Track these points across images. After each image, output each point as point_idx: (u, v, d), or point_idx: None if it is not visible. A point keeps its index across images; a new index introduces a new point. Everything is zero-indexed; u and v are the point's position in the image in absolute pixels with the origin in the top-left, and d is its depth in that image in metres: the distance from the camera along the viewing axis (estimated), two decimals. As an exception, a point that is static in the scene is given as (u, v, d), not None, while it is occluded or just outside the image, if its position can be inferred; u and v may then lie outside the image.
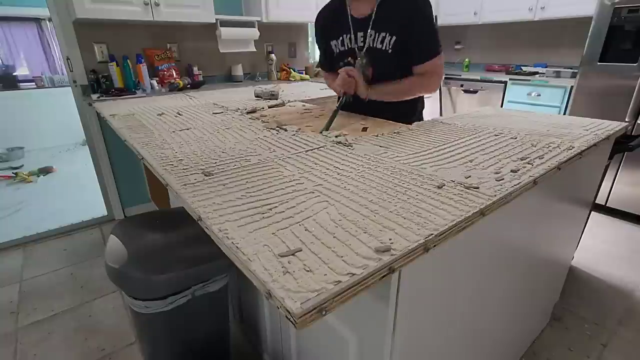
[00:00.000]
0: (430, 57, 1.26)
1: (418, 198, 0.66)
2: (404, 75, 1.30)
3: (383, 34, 1.25)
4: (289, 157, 0.91)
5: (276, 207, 0.64)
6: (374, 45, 1.28)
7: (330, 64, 1.47)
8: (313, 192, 0.70)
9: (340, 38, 1.36)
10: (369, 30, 1.28)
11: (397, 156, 0.90)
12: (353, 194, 0.69)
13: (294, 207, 0.64)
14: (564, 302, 1.69)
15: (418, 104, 1.48)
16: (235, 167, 0.85)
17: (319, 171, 0.81)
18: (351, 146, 0.99)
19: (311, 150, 0.97)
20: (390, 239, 0.53)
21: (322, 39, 1.45)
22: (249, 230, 0.56)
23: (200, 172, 0.81)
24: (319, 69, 2.58)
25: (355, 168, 0.82)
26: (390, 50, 1.26)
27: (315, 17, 1.45)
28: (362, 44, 1.31)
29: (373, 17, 1.25)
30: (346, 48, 1.36)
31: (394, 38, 1.24)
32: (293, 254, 0.50)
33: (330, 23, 1.39)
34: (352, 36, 1.32)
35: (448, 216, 0.59)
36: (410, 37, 1.23)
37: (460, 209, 0.61)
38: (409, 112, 1.44)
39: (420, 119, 1.51)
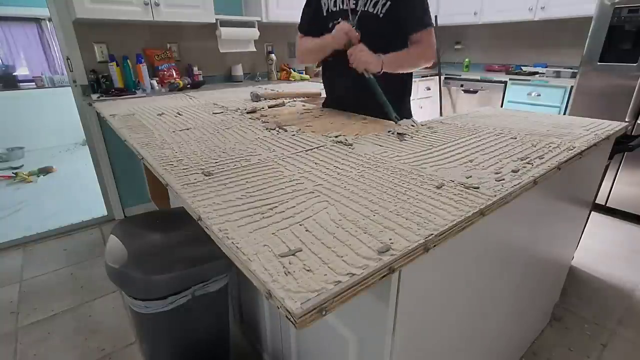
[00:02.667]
0: (426, 26, 1.26)
1: (418, 198, 0.66)
2: (387, 45, 1.27)
3: None
4: (288, 157, 0.91)
5: (276, 207, 0.64)
6: (366, 8, 1.27)
7: (315, 26, 1.42)
8: (313, 192, 0.70)
9: None
10: None
11: (397, 156, 0.90)
12: (353, 193, 0.69)
13: (294, 207, 0.64)
14: (564, 302, 1.69)
15: (405, 96, 1.47)
16: (235, 167, 0.85)
17: (319, 171, 0.81)
18: (351, 146, 0.99)
19: (311, 150, 0.97)
20: (390, 239, 0.53)
21: None
22: (249, 230, 0.56)
23: (200, 172, 0.81)
24: (318, 68, 2.53)
25: (355, 168, 0.82)
26: (381, 15, 1.25)
27: None
28: (353, 6, 1.29)
29: None
30: (338, 8, 1.33)
31: (389, 3, 1.23)
32: (293, 254, 0.50)
33: None
34: None
35: (448, 216, 0.59)
36: (406, 4, 1.23)
37: (460, 209, 0.61)
38: (397, 102, 1.39)
39: (408, 114, 1.48)
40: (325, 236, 0.54)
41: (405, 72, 1.37)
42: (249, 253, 0.50)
